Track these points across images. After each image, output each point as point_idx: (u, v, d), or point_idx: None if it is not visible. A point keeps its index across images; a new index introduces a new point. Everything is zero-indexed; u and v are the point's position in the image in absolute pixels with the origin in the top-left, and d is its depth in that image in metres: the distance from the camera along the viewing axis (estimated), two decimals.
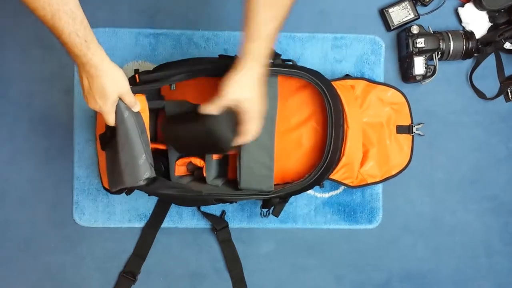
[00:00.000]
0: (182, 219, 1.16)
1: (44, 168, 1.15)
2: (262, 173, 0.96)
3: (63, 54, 1.14)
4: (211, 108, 0.84)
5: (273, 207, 1.00)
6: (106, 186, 1.06)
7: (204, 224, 1.16)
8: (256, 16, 0.77)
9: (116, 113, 0.85)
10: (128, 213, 1.15)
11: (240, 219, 1.16)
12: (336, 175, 1.05)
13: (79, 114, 1.15)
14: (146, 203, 1.15)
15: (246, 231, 1.17)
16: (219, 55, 0.99)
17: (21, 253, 1.15)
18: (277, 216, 1.01)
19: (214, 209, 1.16)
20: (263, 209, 1.04)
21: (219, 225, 1.15)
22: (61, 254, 1.16)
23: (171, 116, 0.97)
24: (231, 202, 1.03)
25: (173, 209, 1.16)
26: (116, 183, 0.92)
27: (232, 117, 0.86)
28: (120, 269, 1.15)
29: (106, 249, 1.16)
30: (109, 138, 0.96)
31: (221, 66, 0.95)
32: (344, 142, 1.01)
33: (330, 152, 0.95)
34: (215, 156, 1.00)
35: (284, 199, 1.00)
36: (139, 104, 0.88)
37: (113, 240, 1.16)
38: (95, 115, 1.14)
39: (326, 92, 0.96)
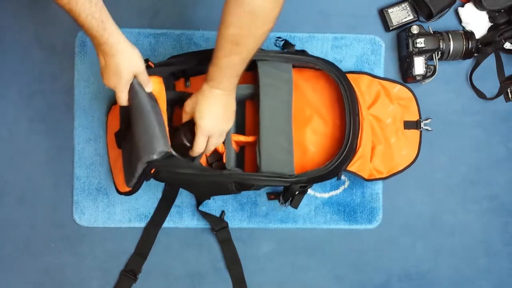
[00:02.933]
0: (182, 219, 1.16)
1: (44, 168, 1.15)
2: (282, 157, 0.95)
3: (63, 54, 1.15)
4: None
5: (291, 199, 1.00)
6: (121, 189, 1.05)
7: (204, 224, 1.16)
8: (220, 48, 0.82)
9: (129, 91, 0.87)
10: (128, 213, 1.15)
11: (240, 219, 1.16)
12: (353, 166, 1.04)
13: (79, 114, 1.15)
14: (146, 203, 1.15)
15: (246, 231, 1.17)
16: None
17: (21, 253, 1.15)
18: (296, 208, 1.00)
19: (214, 210, 1.16)
20: (282, 198, 1.03)
21: (218, 226, 1.14)
22: (61, 254, 1.16)
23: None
24: (250, 188, 1.00)
25: (174, 209, 1.15)
26: (133, 169, 0.92)
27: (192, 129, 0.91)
28: (120, 269, 1.15)
29: (106, 249, 1.16)
30: (124, 132, 0.96)
31: None
32: (360, 132, 1.01)
33: (350, 139, 0.96)
34: (233, 145, 1.01)
35: (304, 188, 0.99)
36: (151, 84, 0.90)
37: (113, 240, 1.16)
38: (106, 114, 1.15)
39: (342, 80, 0.96)
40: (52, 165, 1.15)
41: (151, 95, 0.90)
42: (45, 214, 1.15)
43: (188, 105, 0.91)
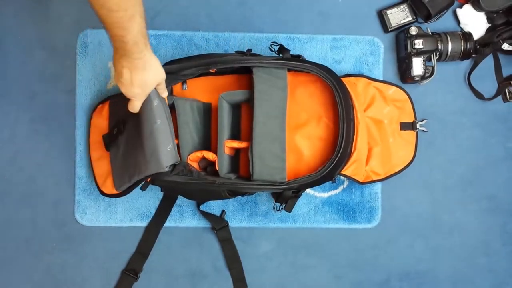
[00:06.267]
0: (183, 219, 1.17)
1: (46, 168, 1.16)
2: (275, 164, 0.96)
3: (64, 55, 1.16)
4: None
5: (284, 203, 1.00)
6: (106, 191, 1.07)
7: (204, 223, 1.17)
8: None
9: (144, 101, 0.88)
10: (130, 212, 1.16)
11: (240, 218, 1.17)
12: (347, 170, 1.05)
13: (80, 114, 1.16)
14: (147, 203, 1.16)
15: (246, 230, 1.18)
16: (235, 51, 1.01)
17: (23, 253, 1.16)
18: (289, 212, 1.01)
19: (214, 209, 1.17)
20: (276, 204, 1.04)
21: (218, 225, 1.15)
22: (63, 254, 1.16)
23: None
24: (243, 195, 1.03)
25: (174, 208, 1.16)
26: (130, 174, 0.92)
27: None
28: (122, 268, 1.16)
29: (107, 248, 1.16)
30: (115, 136, 0.97)
31: (232, 60, 0.96)
32: (355, 137, 1.02)
33: (343, 145, 0.95)
34: (227, 151, 1.01)
35: (297, 193, 0.99)
36: (166, 90, 0.92)
37: (114, 239, 1.16)
38: (91, 113, 1.15)
39: (336, 86, 0.96)
40: (54, 165, 1.16)
41: (164, 103, 0.92)
42: (47, 214, 1.16)
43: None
